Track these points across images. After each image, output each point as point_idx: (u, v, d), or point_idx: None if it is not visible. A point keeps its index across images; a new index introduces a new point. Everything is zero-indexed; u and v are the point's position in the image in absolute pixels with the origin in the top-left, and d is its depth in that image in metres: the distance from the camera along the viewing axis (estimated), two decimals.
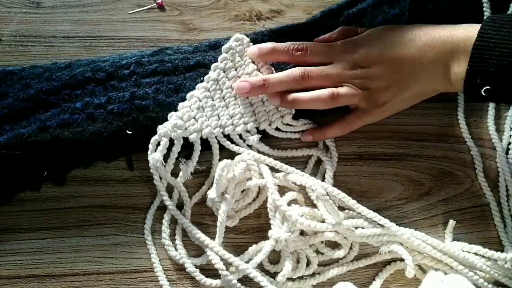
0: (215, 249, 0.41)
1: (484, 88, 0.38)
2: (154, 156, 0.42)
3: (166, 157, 0.43)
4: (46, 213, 0.43)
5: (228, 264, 0.41)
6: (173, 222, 0.43)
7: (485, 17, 0.40)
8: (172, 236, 0.43)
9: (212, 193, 0.41)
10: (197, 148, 0.43)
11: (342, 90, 0.43)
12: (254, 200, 0.44)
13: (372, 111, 0.44)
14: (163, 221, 0.43)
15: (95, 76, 0.44)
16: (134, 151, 0.44)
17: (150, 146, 0.42)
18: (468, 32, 0.39)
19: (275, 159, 0.44)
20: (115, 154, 0.44)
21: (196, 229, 0.42)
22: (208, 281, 0.41)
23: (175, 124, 0.42)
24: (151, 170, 0.42)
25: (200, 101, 0.44)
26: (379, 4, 0.50)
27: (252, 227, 0.44)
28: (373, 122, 0.46)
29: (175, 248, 0.43)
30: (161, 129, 0.42)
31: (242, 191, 0.43)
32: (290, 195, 0.43)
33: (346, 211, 0.44)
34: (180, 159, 0.43)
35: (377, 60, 0.42)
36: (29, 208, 0.43)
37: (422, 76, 0.42)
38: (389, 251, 0.43)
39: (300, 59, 0.44)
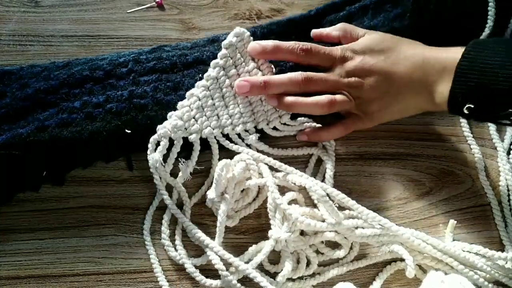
0: (215, 249, 0.41)
1: (466, 106, 0.39)
2: (154, 156, 0.42)
3: (165, 157, 0.42)
4: (46, 213, 0.43)
5: (228, 265, 0.41)
6: (173, 222, 0.43)
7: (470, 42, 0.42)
8: (171, 237, 0.43)
9: (211, 193, 0.41)
10: (197, 148, 0.43)
11: (338, 97, 0.44)
12: (254, 200, 0.44)
13: (363, 118, 0.45)
14: (163, 221, 0.43)
15: (93, 74, 0.44)
16: (133, 151, 0.44)
17: (150, 146, 0.42)
18: (456, 54, 0.41)
19: (274, 158, 0.44)
20: (114, 154, 0.44)
21: (196, 229, 0.42)
22: (208, 281, 0.41)
23: (175, 124, 0.42)
24: (151, 170, 0.42)
25: (199, 100, 0.43)
26: (382, 2, 0.49)
27: (252, 227, 0.44)
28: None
29: (175, 249, 0.42)
30: (161, 129, 0.42)
31: (242, 191, 0.43)
32: (290, 195, 0.43)
33: (347, 211, 0.43)
34: (179, 159, 0.43)
35: (371, 72, 0.43)
36: (28, 209, 0.43)
37: (408, 94, 0.44)
38: (389, 251, 0.43)
39: (304, 59, 0.44)
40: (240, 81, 0.43)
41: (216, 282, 0.41)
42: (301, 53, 0.43)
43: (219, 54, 0.44)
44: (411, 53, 0.43)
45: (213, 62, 0.44)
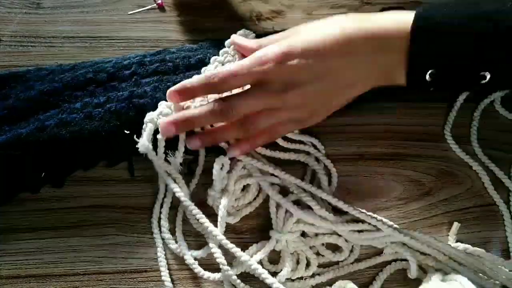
0: (218, 238, 0.40)
1: (429, 71, 0.36)
2: (143, 143, 0.40)
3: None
4: (46, 213, 0.43)
5: (229, 262, 0.41)
6: (171, 222, 0.43)
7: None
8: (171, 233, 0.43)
9: (212, 191, 0.41)
10: (182, 137, 0.42)
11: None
12: (255, 198, 0.44)
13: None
14: (161, 215, 0.43)
15: (96, 77, 0.44)
16: (133, 153, 0.44)
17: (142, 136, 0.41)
18: (406, 16, 0.37)
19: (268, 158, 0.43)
20: (114, 155, 0.44)
21: (200, 212, 0.41)
22: (206, 274, 0.41)
23: (161, 112, 0.41)
24: (149, 157, 0.41)
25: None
26: None
27: (253, 227, 0.44)
28: (370, 122, 0.46)
29: (175, 241, 0.42)
30: (148, 116, 0.41)
31: (243, 190, 0.43)
32: (291, 196, 0.43)
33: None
34: (167, 151, 0.42)
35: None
36: (29, 208, 0.43)
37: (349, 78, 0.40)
38: (393, 253, 0.43)
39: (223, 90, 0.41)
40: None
41: (214, 276, 0.41)
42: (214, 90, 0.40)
43: (221, 51, 0.44)
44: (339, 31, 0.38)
45: (213, 58, 0.44)
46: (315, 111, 0.41)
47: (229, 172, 0.42)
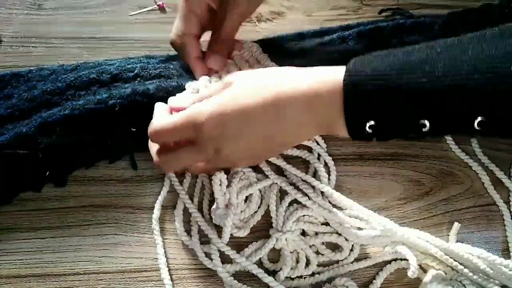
0: (216, 243, 0.41)
1: (368, 124, 0.35)
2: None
3: None
4: (47, 212, 0.43)
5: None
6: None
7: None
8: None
9: (216, 209, 0.41)
10: None
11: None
12: (259, 207, 0.44)
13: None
14: (177, 205, 0.43)
15: (100, 78, 0.45)
16: (136, 150, 0.44)
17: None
18: (338, 72, 0.36)
19: None
20: (118, 153, 0.44)
21: (197, 212, 0.42)
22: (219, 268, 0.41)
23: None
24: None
25: (197, 92, 0.44)
26: (400, 29, 0.50)
27: (253, 226, 0.44)
28: None
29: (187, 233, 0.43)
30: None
31: (246, 200, 0.43)
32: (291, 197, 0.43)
33: (347, 210, 0.43)
34: None
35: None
36: (30, 208, 0.43)
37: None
38: (393, 252, 0.43)
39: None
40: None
41: (228, 267, 0.41)
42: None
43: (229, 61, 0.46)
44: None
45: (187, 84, 0.45)
46: (239, 162, 0.42)
47: (228, 186, 0.42)
